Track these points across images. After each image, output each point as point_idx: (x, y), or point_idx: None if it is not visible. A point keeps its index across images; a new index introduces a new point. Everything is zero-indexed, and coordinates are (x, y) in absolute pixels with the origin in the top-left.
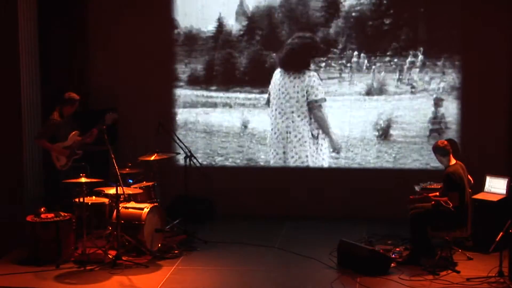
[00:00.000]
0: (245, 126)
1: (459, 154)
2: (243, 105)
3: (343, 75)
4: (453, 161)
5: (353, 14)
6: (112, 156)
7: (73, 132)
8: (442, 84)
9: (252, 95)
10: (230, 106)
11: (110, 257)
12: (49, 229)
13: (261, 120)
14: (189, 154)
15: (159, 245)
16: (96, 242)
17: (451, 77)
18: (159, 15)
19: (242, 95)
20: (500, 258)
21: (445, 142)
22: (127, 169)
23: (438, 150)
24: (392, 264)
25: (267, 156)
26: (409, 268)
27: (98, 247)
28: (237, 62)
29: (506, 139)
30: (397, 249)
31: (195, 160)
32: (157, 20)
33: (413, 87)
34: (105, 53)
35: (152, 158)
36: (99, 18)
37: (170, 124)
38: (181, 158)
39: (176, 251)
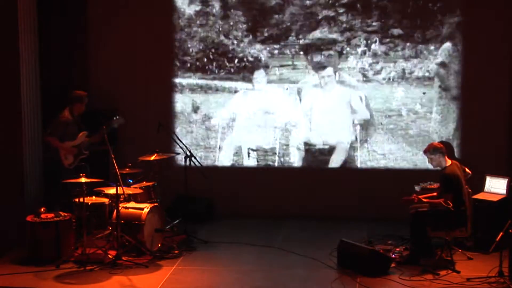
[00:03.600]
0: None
1: (453, 155)
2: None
3: None
4: (449, 162)
5: None
6: (112, 156)
7: (82, 133)
8: None
9: None
10: None
11: (110, 257)
12: (49, 229)
13: None
14: (189, 154)
15: (159, 245)
16: (96, 242)
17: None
18: (158, 15)
19: None
20: (500, 258)
21: (440, 144)
22: (127, 169)
23: (435, 151)
24: (392, 264)
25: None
26: (409, 268)
27: (98, 247)
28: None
29: (506, 139)
30: (397, 249)
31: (195, 160)
32: (156, 19)
33: None
34: (105, 53)
35: (152, 158)
36: (99, 17)
37: (170, 124)
38: (181, 158)
39: (176, 251)
